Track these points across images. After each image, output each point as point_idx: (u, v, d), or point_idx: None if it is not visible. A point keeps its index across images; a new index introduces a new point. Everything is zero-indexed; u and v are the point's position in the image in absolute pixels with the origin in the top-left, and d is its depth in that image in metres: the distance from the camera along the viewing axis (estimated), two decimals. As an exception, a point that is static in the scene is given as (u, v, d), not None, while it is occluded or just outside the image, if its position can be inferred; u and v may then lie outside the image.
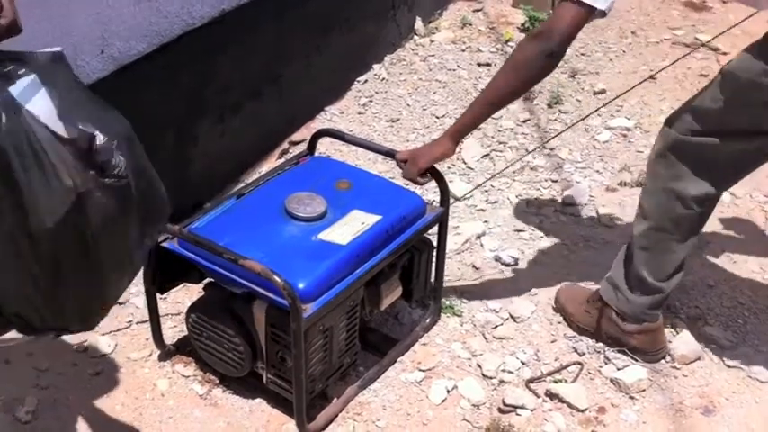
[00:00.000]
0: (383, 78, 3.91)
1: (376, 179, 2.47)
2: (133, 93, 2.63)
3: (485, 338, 2.51)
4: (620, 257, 2.42)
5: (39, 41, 2.30)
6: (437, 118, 3.64)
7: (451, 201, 2.58)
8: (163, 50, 2.72)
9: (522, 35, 4.30)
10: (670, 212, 2.25)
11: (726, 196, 3.13)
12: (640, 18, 4.58)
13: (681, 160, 2.19)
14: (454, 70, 4.00)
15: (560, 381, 2.37)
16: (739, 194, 3.15)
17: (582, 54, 4.18)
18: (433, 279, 2.49)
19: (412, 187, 2.54)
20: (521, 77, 2.12)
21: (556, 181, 3.25)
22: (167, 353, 2.41)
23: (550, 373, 2.39)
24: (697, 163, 2.18)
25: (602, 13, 2.04)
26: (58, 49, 1.56)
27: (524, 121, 3.61)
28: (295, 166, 2.46)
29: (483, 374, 2.38)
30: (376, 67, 3.98)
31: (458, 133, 2.26)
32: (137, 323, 2.53)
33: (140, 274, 2.57)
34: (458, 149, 2.39)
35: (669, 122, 2.24)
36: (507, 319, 2.58)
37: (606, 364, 2.42)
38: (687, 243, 2.30)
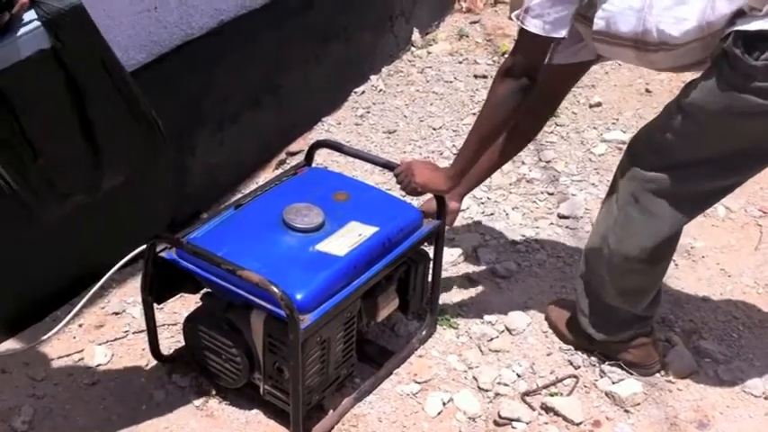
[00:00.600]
0: (380, 89, 3.93)
1: (374, 191, 2.48)
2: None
3: (480, 351, 2.52)
4: (581, 292, 2.41)
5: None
6: (434, 129, 3.65)
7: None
8: (162, 60, 2.73)
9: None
10: (641, 252, 2.20)
11: (721, 210, 3.15)
12: (636, 31, 4.60)
13: (655, 198, 2.13)
14: (451, 82, 4.01)
15: (556, 394, 2.37)
16: (734, 208, 3.17)
17: (578, 67, 4.19)
18: (429, 291, 2.50)
19: (408, 199, 2.55)
20: (501, 115, 2.15)
21: (552, 194, 3.26)
22: (164, 363, 2.40)
23: (546, 386, 2.39)
24: (671, 198, 2.12)
25: (563, 39, 2.05)
26: None
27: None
28: (293, 177, 2.47)
29: (479, 387, 2.39)
30: (373, 78, 3.99)
31: (457, 176, 2.29)
32: (133, 333, 2.53)
33: (137, 285, 2.59)
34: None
35: (633, 157, 2.17)
36: (503, 331, 2.58)
37: (601, 377, 2.43)
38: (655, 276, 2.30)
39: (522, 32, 2.03)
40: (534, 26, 1.99)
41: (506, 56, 2.21)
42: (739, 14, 1.85)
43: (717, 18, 1.87)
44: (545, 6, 1.97)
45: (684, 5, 1.90)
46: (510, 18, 4.34)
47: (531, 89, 2.09)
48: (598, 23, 2.02)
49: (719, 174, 2.08)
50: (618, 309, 2.33)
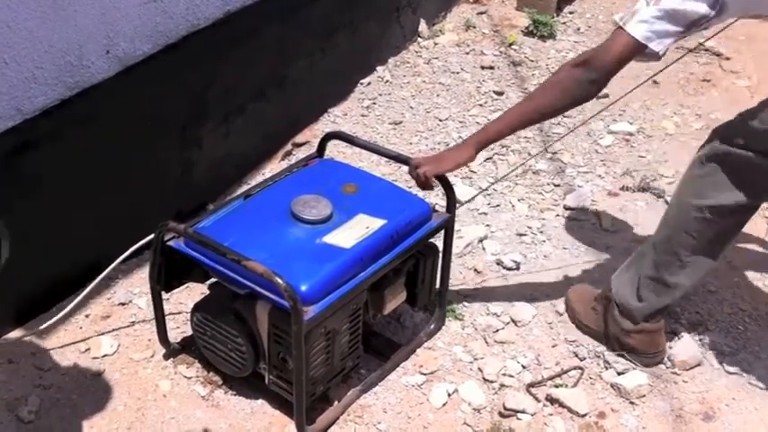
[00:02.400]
0: (387, 80, 3.92)
1: (383, 183, 2.47)
2: (138, 93, 2.64)
3: (486, 342, 2.52)
4: (634, 256, 2.42)
5: (44, 40, 2.32)
6: (440, 121, 3.65)
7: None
8: (168, 51, 2.73)
9: (526, 38, 4.32)
10: (694, 223, 2.23)
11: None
12: (644, 22, 4.58)
13: (721, 169, 2.18)
14: (458, 73, 4.00)
15: (561, 385, 2.38)
16: (741, 201, 3.15)
17: (585, 58, 4.18)
18: (438, 285, 2.50)
19: (416, 191, 2.55)
20: (559, 100, 2.13)
21: (558, 185, 3.26)
22: (171, 352, 2.41)
23: (551, 378, 2.40)
24: (737, 174, 2.16)
25: (656, 56, 2.04)
26: None
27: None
28: (303, 169, 2.47)
29: (484, 378, 2.39)
30: (380, 69, 3.99)
31: (482, 143, 2.26)
32: (139, 323, 2.54)
33: (144, 275, 2.60)
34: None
35: (717, 134, 2.22)
36: (508, 323, 2.59)
37: (607, 369, 2.43)
38: (704, 256, 2.30)
39: (618, 33, 2.02)
40: (635, 30, 1.99)
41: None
42: None
43: None
44: (652, 19, 1.97)
45: None
46: (517, 9, 4.31)
47: (598, 86, 2.08)
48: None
49: None
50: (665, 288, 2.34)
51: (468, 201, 3.11)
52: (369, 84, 3.90)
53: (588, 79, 2.07)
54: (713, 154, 2.21)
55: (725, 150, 2.18)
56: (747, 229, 3.02)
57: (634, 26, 1.99)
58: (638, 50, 2.03)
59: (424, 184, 2.31)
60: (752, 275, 2.82)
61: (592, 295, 2.54)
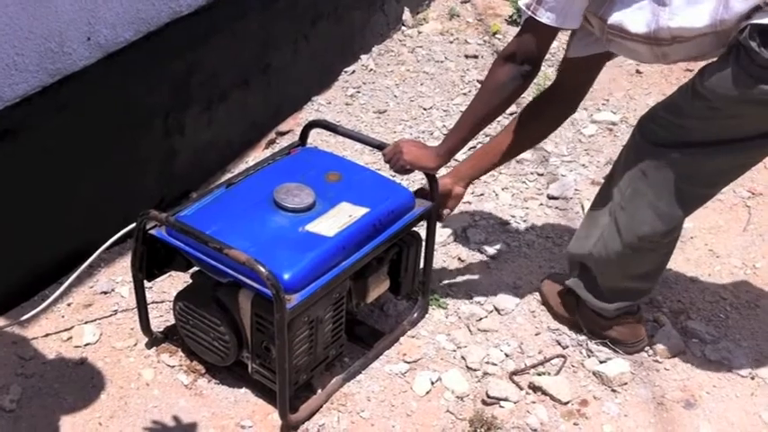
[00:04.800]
0: (371, 69, 3.91)
1: (366, 172, 2.47)
2: (120, 81, 2.63)
3: (469, 331, 2.52)
4: (583, 257, 2.41)
5: (25, 27, 2.30)
6: (424, 110, 3.64)
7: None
8: (150, 38, 2.71)
9: (510, 27, 4.31)
10: (651, 228, 2.21)
11: (710, 191, 3.15)
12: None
13: (664, 176, 2.15)
14: (442, 62, 4.00)
15: (543, 373, 2.39)
16: (723, 189, 3.17)
17: (569, 47, 4.18)
18: (421, 273, 2.50)
19: (399, 180, 2.55)
20: (497, 99, 2.15)
21: (542, 174, 3.26)
22: (154, 341, 2.41)
23: (534, 366, 2.41)
24: (681, 177, 2.14)
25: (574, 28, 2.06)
26: None
27: (511, 114, 3.61)
28: (286, 157, 2.46)
29: (467, 366, 2.40)
30: (364, 57, 3.98)
31: (448, 154, 2.28)
32: (121, 312, 2.53)
33: (126, 264, 2.59)
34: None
35: (644, 134, 2.19)
36: (492, 311, 2.59)
37: (589, 357, 2.44)
38: (659, 255, 2.31)
39: (531, 21, 2.02)
40: (547, 17, 1.99)
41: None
42: (756, 9, 1.86)
43: (730, 16, 1.88)
44: (563, 2, 1.97)
45: (698, 5, 1.91)
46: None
47: (531, 76, 2.09)
48: (613, 20, 2.02)
49: (727, 156, 2.10)
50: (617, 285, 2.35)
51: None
52: (353, 72, 3.89)
53: (521, 73, 2.08)
54: (647, 165, 2.15)
55: (655, 155, 2.13)
56: (729, 217, 3.06)
57: (544, 14, 1.99)
58: (555, 33, 2.04)
59: (398, 171, 2.35)
60: (733, 264, 2.84)
61: (563, 288, 2.54)
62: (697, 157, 2.10)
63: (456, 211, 2.96)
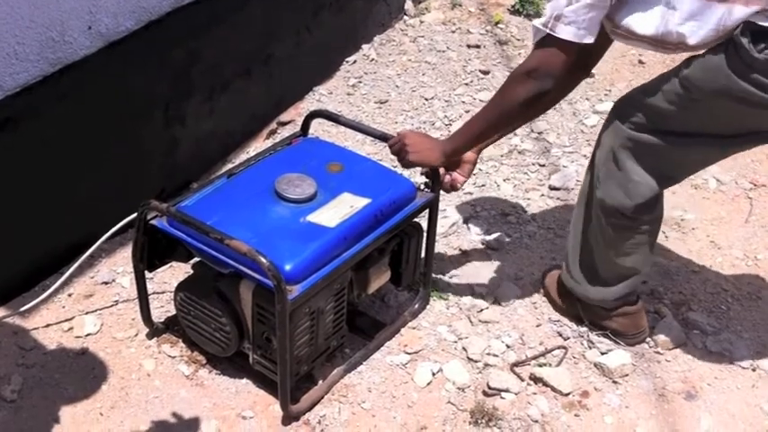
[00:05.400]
0: (372, 59, 3.90)
1: (368, 162, 2.46)
2: (121, 70, 2.62)
3: (470, 322, 2.52)
4: (572, 249, 2.42)
5: (26, 16, 2.29)
6: (426, 100, 3.63)
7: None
8: (151, 27, 2.70)
9: (513, 17, 4.30)
10: (622, 209, 2.22)
11: (711, 182, 3.15)
12: (630, 2, 4.57)
13: (634, 157, 2.16)
14: (444, 52, 3.99)
15: (544, 365, 2.39)
16: (725, 180, 3.17)
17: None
18: (422, 264, 2.49)
19: (400, 170, 2.54)
20: (515, 112, 2.14)
21: (543, 165, 3.26)
22: (155, 331, 2.41)
23: (535, 357, 2.41)
24: (649, 160, 2.15)
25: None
26: None
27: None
28: (287, 147, 2.45)
29: (468, 358, 2.40)
30: (365, 47, 3.96)
31: (453, 153, 2.28)
32: (122, 302, 2.53)
33: (127, 254, 2.58)
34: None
35: (619, 115, 2.20)
36: (493, 302, 2.59)
37: (590, 348, 2.44)
38: (641, 233, 2.30)
39: (551, 38, 2.00)
40: (567, 33, 1.98)
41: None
42: (756, 12, 1.88)
43: (733, 22, 1.90)
44: (580, 13, 1.96)
45: (703, 14, 1.92)
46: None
47: (551, 92, 2.08)
48: (621, 21, 2.02)
49: (701, 149, 2.12)
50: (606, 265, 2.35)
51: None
52: (354, 62, 3.87)
53: (541, 89, 2.06)
54: (618, 142, 2.17)
55: (628, 135, 2.15)
56: (731, 208, 3.06)
57: (564, 30, 1.98)
58: (577, 48, 2.02)
59: (405, 166, 2.35)
60: (735, 255, 2.84)
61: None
62: (668, 145, 2.11)
63: (458, 201, 2.97)
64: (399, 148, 2.30)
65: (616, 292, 2.37)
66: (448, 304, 2.58)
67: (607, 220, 2.25)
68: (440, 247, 2.77)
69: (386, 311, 2.55)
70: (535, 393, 2.31)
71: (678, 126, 2.09)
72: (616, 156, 2.19)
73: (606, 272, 2.36)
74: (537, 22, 2.03)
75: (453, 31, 4.16)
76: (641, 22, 2.00)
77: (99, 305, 2.52)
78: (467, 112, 3.52)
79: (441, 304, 2.57)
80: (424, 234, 2.43)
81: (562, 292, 2.52)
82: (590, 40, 2.01)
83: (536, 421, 2.23)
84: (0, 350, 2.34)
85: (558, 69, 2.04)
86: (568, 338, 2.47)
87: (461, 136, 2.27)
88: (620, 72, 3.89)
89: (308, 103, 3.56)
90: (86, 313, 2.48)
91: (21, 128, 2.36)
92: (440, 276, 2.67)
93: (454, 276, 2.69)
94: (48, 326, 2.44)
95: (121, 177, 2.72)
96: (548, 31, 2.00)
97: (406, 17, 4.25)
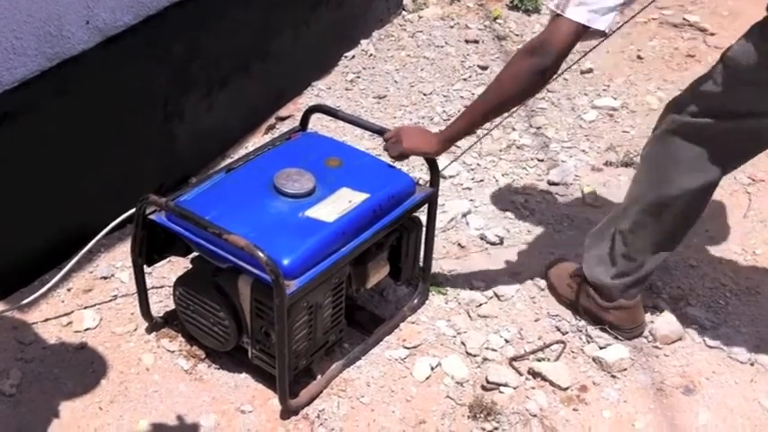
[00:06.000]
0: (371, 54, 3.90)
1: (367, 157, 2.46)
2: (119, 66, 2.62)
3: (469, 316, 2.52)
4: (600, 233, 2.43)
5: (23, 10, 2.28)
6: (424, 95, 3.63)
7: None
8: (149, 22, 2.69)
9: (511, 12, 4.29)
10: (662, 197, 2.23)
11: (710, 177, 3.15)
12: (629, -3, 4.56)
13: (679, 144, 2.18)
14: (442, 47, 3.98)
15: (543, 359, 2.39)
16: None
17: (570, 33, 4.16)
18: (421, 259, 2.50)
19: (399, 165, 2.54)
20: (513, 92, 2.12)
21: (542, 160, 3.26)
22: (154, 326, 2.41)
23: (533, 352, 2.41)
24: (695, 147, 2.16)
25: (602, 33, 2.02)
26: None
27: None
28: (286, 142, 2.45)
29: (467, 352, 2.40)
30: (364, 42, 3.96)
31: (449, 140, 2.27)
32: (121, 297, 2.53)
33: (126, 249, 2.59)
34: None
35: (671, 107, 2.23)
36: (492, 297, 2.59)
37: (588, 342, 2.44)
38: (674, 230, 2.31)
39: (560, 20, 1.99)
40: (576, 14, 1.96)
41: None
42: None
43: None
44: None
45: None
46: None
47: (551, 73, 2.07)
48: None
49: (754, 130, 2.13)
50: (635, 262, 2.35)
51: (452, 176, 3.10)
52: (353, 57, 3.87)
53: (540, 68, 2.04)
54: (670, 129, 2.20)
55: (681, 122, 2.18)
56: (729, 203, 3.06)
57: (573, 10, 1.96)
58: (585, 30, 2.01)
59: (395, 157, 2.34)
60: (733, 250, 2.84)
61: (568, 270, 2.56)
62: (723, 130, 2.13)
63: (449, 190, 2.97)
64: (394, 139, 2.30)
65: (629, 280, 2.37)
66: (447, 299, 2.58)
67: (656, 209, 2.25)
68: (439, 242, 2.77)
69: (385, 306, 2.55)
70: (534, 388, 2.31)
71: (725, 106, 2.11)
72: (663, 140, 2.20)
73: (644, 247, 2.35)
74: (550, 4, 2.02)
75: (452, 27, 4.16)
76: None
77: (98, 300, 2.52)
78: (465, 107, 3.51)
79: (439, 299, 2.58)
80: (423, 229, 2.43)
81: (571, 281, 2.52)
82: (600, 26, 1.98)
83: (534, 415, 2.23)
84: (-1, 345, 2.35)
85: (558, 49, 2.02)
86: (567, 333, 2.48)
87: (458, 120, 2.25)
88: (619, 68, 3.89)
89: (307, 98, 3.56)
90: (85, 308, 2.48)
91: (18, 123, 2.36)
92: (439, 271, 2.67)
93: (453, 271, 2.69)
94: (47, 320, 2.44)
95: (120, 172, 2.72)
96: (558, 11, 1.99)
97: (404, 12, 4.24)
